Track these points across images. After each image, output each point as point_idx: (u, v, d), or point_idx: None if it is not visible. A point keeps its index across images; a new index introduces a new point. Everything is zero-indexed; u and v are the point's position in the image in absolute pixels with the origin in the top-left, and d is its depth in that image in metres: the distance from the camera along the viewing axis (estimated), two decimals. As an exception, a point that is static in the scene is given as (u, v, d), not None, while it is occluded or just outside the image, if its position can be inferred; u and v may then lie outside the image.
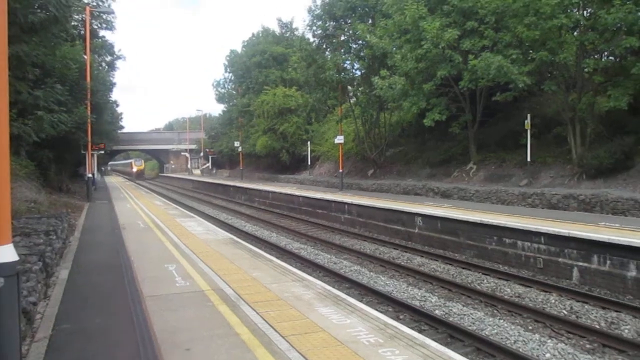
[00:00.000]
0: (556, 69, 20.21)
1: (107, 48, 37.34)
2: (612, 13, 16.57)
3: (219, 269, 9.34)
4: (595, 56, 19.71)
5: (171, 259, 10.37)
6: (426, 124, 23.89)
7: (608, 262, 11.08)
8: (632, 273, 10.56)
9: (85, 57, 25.46)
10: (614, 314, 9.41)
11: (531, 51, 19.63)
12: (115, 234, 14.42)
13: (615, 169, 18.13)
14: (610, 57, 20.18)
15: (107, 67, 37.92)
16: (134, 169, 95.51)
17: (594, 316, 9.41)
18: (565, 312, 9.69)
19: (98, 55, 35.30)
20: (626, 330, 8.69)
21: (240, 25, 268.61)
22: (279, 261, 10.49)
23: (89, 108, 24.77)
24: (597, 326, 8.86)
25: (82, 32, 28.39)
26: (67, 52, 19.53)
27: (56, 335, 5.92)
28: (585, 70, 19.12)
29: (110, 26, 34.18)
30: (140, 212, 20.73)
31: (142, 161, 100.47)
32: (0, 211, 3.73)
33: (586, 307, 9.91)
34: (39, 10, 11.09)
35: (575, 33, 19.70)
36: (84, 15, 27.61)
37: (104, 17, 32.85)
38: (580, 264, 11.69)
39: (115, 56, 38.19)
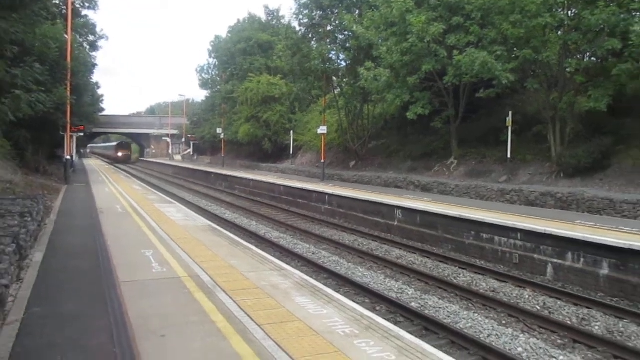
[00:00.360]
0: (539, 67, 20.39)
1: (90, 28, 36.70)
2: (595, 14, 16.74)
3: (196, 256, 9.28)
4: (578, 56, 19.92)
5: (148, 245, 10.29)
6: (409, 117, 23.97)
7: (582, 259, 11.28)
8: (605, 271, 10.77)
9: (67, 36, 24.97)
10: (586, 311, 9.59)
11: (515, 49, 19.77)
12: (92, 217, 14.24)
13: (593, 168, 18.42)
14: (592, 58, 20.43)
15: (88, 47, 37.28)
16: (119, 153, 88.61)
17: (566, 312, 9.58)
18: (539, 308, 9.85)
19: (80, 35, 34.67)
20: (597, 327, 8.87)
21: (226, 10, 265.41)
22: (257, 250, 10.47)
23: (68, 89, 24.33)
24: (569, 322, 9.03)
25: (64, 10, 27.84)
26: (47, 31, 19.14)
27: (28, 318, 5.84)
28: (568, 70, 19.33)
29: (93, 5, 33.59)
30: (118, 197, 20.49)
31: (129, 144, 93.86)
32: (-29, 191, 3.64)
33: (559, 303, 10.09)
34: (18, -13, 10.83)
35: (559, 32, 19.87)
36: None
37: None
38: (555, 260, 11.88)
39: (97, 36, 37.56)
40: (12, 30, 12.03)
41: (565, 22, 18.89)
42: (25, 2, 10.99)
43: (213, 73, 67.92)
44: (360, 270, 12.54)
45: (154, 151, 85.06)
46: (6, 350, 4.93)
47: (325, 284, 9.07)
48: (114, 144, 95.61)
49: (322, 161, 31.88)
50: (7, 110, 12.36)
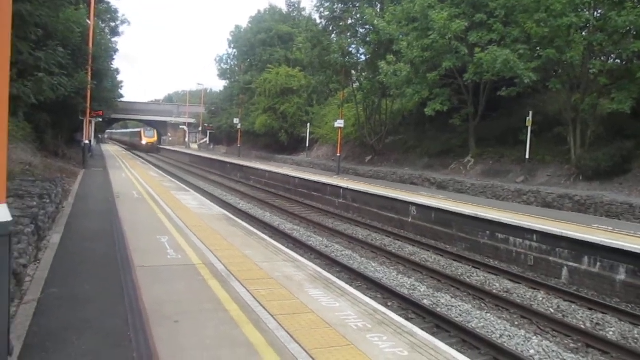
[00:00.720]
0: (562, 67, 20.12)
1: (111, 13, 36.90)
2: (622, 15, 16.47)
3: (211, 244, 9.33)
4: (602, 58, 19.63)
5: (164, 231, 10.36)
6: (427, 113, 23.83)
7: (598, 264, 11.13)
8: (622, 276, 10.62)
9: (89, 21, 25.15)
10: (600, 316, 9.48)
11: (538, 48, 19.52)
12: (109, 202, 14.38)
13: (613, 172, 18.16)
14: (617, 60, 20.10)
15: (110, 33, 37.52)
16: (144, 141, 79.48)
17: (580, 316, 9.48)
18: (552, 311, 9.76)
19: (102, 21, 34.90)
20: (611, 332, 8.76)
21: (246, 0, 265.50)
22: (271, 240, 10.49)
23: (89, 74, 24.54)
24: (583, 326, 8.92)
25: (87, -4, 28.00)
26: (70, 15, 19.21)
27: (45, 298, 5.91)
28: (591, 71, 19.04)
29: (115, -9, 33.70)
30: (135, 182, 20.67)
31: (155, 132, 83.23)
32: (-5, 170, 3.68)
33: (573, 306, 9.98)
34: (44, -30, 10.91)
35: (584, 33, 19.57)
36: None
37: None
38: (571, 264, 11.74)
39: (119, 22, 37.77)
40: (37, 13, 12.13)
41: (591, 23, 18.60)
42: (51, -15, 11.08)
43: (232, 63, 68.10)
44: (373, 265, 12.52)
45: (170, 139, 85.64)
46: (23, 328, 5.01)
47: (338, 277, 9.06)
48: (138, 129, 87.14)
49: (338, 155, 31.82)
50: (29, 92, 12.50)
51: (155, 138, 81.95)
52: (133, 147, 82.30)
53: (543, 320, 9.01)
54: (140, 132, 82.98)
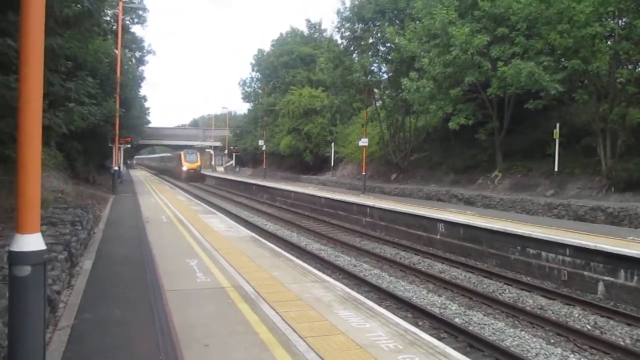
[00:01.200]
0: (588, 78, 19.82)
1: (137, 43, 37.92)
2: (648, 23, 16.20)
3: (239, 266, 9.36)
4: (629, 66, 19.28)
5: (192, 254, 10.44)
6: (451, 127, 23.67)
7: (635, 277, 10.80)
8: (661, 290, 10.28)
9: (116, 51, 25.87)
10: (640, 331, 9.17)
11: (563, 59, 19.29)
12: (138, 227, 14.60)
13: (646, 182, 17.69)
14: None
15: (136, 61, 38.51)
16: (184, 167, 62.13)
17: (619, 332, 9.18)
18: (589, 327, 9.47)
19: (128, 50, 35.87)
20: (652, 349, 8.45)
21: (268, 25, 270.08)
22: (299, 261, 10.48)
23: (117, 102, 25.15)
24: (622, 343, 8.63)
25: (114, 26, 28.88)
26: (99, 46, 19.83)
27: (78, 324, 6.00)
28: (619, 80, 18.69)
29: (141, 21, 34.75)
30: (163, 207, 20.96)
31: (198, 155, 65.18)
32: (30, 200, 3.78)
33: (611, 322, 9.68)
34: (73, 4, 11.28)
35: (609, 42, 19.29)
36: (116, 10, 28.07)
37: (136, 12, 33.38)
38: (606, 278, 11.42)
39: (145, 51, 38.78)
40: (67, 45, 12.52)
41: (616, 32, 18.34)
42: (80, 18, 11.43)
43: (255, 86, 69.06)
44: (402, 284, 12.37)
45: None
46: (58, 354, 5.08)
47: (367, 297, 8.98)
48: (177, 153, 68.81)
49: (363, 173, 31.75)
50: (61, 122, 12.83)
51: (199, 162, 64.28)
52: (169, 173, 69.17)
53: (580, 337, 8.74)
54: (179, 156, 64.48)
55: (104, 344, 5.39)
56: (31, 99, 3.78)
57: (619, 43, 18.19)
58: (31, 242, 3.77)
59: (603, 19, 18.39)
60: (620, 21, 18.91)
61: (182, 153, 64.63)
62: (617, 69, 18.65)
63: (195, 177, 60.69)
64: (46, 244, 4.05)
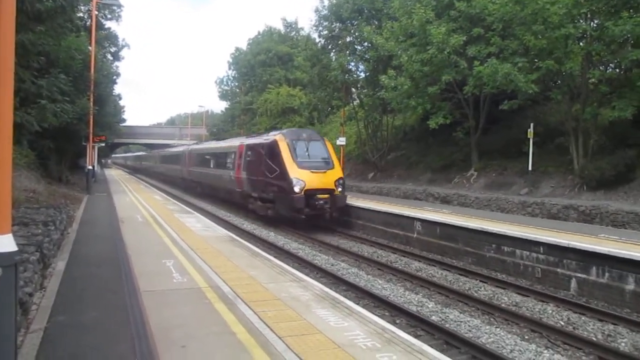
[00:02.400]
0: (562, 78, 20.17)
1: (112, 39, 37.37)
2: (619, 25, 16.52)
3: (216, 266, 9.30)
4: (601, 67, 19.67)
5: (169, 255, 10.33)
6: (431, 126, 23.83)
7: (607, 274, 11.03)
8: (631, 286, 10.51)
9: (90, 48, 25.44)
10: (611, 327, 9.36)
11: (537, 60, 19.59)
12: (113, 227, 14.38)
13: (617, 181, 18.07)
14: (616, 69, 20.15)
15: (111, 58, 37.95)
16: (297, 186, 21.31)
17: (591, 328, 9.36)
18: (563, 323, 9.64)
19: (102, 46, 35.32)
20: (623, 344, 8.64)
21: (245, 23, 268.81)
22: (277, 261, 10.46)
23: (91, 99, 24.73)
24: (594, 338, 8.82)
25: (88, 23, 28.40)
26: (72, 43, 19.46)
27: (51, 327, 5.88)
28: (591, 80, 19.06)
29: (116, 17, 34.23)
30: (139, 206, 20.68)
31: (327, 148, 24.53)
32: (0, 200, 3.68)
33: (583, 318, 9.87)
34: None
35: (581, 43, 19.66)
36: (89, 6, 27.61)
37: (110, 8, 32.88)
38: (579, 275, 11.64)
39: (119, 46, 38.25)
40: (39, 41, 12.28)
41: (588, 33, 18.69)
42: (52, 14, 11.22)
43: (232, 85, 68.75)
44: (380, 282, 12.43)
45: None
46: (30, 358, 4.97)
47: (344, 296, 8.99)
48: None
49: (341, 172, 31.34)
50: (32, 120, 12.60)
51: (338, 172, 30.14)
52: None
53: (554, 333, 8.90)
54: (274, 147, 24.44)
55: (78, 347, 5.30)
56: (1, 96, 3.68)
57: (591, 44, 18.54)
58: (2, 243, 3.68)
59: (576, 21, 18.73)
60: (592, 23, 19.27)
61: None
62: (590, 69, 19.01)
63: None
64: (17, 245, 3.95)
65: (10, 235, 3.77)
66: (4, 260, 3.68)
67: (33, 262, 7.35)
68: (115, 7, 33.10)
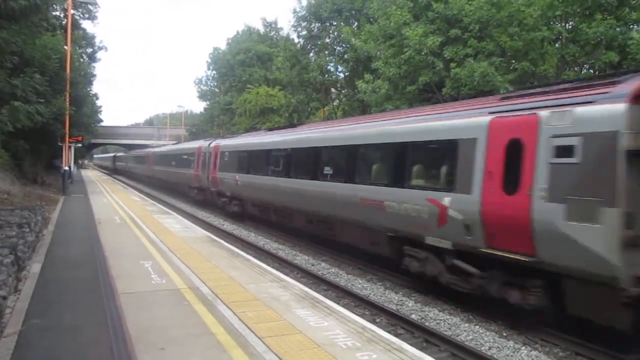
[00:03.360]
0: (537, 79, 20.46)
1: (88, 39, 36.86)
2: (593, 27, 16.84)
3: (195, 267, 9.24)
4: (576, 68, 20.01)
5: (147, 256, 10.23)
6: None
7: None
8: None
9: (66, 47, 25.05)
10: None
11: (513, 61, 19.85)
12: (90, 228, 14.18)
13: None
14: (590, 70, 20.53)
15: (87, 58, 37.43)
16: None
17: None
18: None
19: (79, 47, 34.81)
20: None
21: (223, 23, 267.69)
22: (257, 261, 10.43)
23: (67, 99, 24.35)
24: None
25: (64, 22, 27.97)
26: (47, 42, 19.18)
27: (26, 331, 5.78)
28: (565, 82, 19.36)
29: (92, 16, 33.77)
30: (116, 207, 20.43)
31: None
32: (-28, 202, 3.61)
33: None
34: (19, -3, 10.87)
35: (556, 45, 19.98)
36: (65, 5, 27.19)
37: (86, 7, 32.41)
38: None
39: (96, 47, 37.74)
40: (13, 40, 12.06)
41: (563, 35, 19.00)
42: (26, 12, 11.02)
43: (212, 85, 68.26)
44: (360, 282, 12.46)
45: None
46: (4, 363, 4.88)
47: (325, 296, 9.00)
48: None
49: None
50: (6, 120, 12.37)
51: None
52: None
53: (531, 330, 9.01)
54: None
55: (54, 351, 5.21)
56: (-27, 95, 3.61)
57: (566, 46, 18.85)
58: (-26, 245, 3.60)
59: (551, 23, 19.03)
60: (567, 25, 19.60)
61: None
62: (564, 70, 19.33)
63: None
64: (-9, 247, 3.88)
65: (-17, 237, 3.70)
66: (-23, 263, 3.60)
67: (7, 265, 7.21)
68: (90, 6, 32.63)
